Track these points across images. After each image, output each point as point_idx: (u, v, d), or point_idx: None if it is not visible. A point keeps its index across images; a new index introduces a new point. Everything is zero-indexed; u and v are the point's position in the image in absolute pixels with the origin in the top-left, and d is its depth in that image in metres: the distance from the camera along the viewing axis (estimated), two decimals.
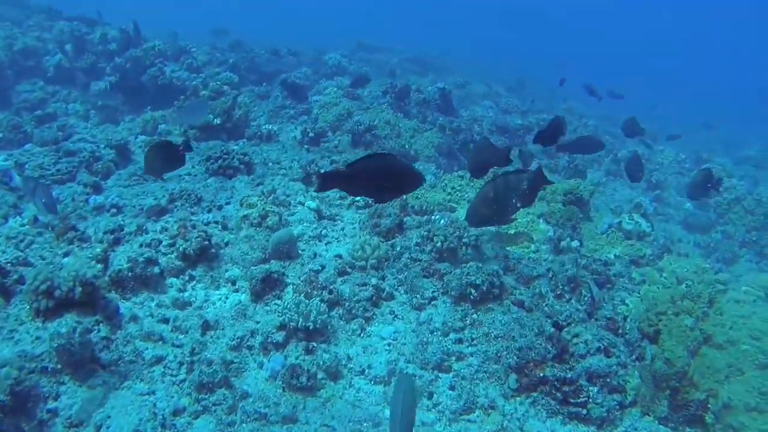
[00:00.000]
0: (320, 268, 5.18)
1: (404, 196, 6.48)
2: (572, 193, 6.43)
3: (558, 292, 4.56)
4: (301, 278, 5.08)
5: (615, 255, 5.54)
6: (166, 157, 5.70)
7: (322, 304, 4.62)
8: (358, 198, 6.76)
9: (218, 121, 8.78)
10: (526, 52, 29.65)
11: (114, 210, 6.47)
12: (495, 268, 4.76)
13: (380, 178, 4.16)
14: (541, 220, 6.22)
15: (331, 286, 4.97)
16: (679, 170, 10.55)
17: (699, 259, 5.53)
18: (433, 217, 6.03)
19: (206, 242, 5.44)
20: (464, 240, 5.05)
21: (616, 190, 10.28)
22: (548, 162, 11.02)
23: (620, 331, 4.40)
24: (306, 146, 8.83)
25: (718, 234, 8.17)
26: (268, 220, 5.66)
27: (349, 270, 5.24)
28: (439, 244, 4.99)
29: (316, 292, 4.90)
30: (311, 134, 8.84)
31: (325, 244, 5.83)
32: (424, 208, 6.23)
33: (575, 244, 5.60)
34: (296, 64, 13.81)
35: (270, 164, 7.91)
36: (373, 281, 4.97)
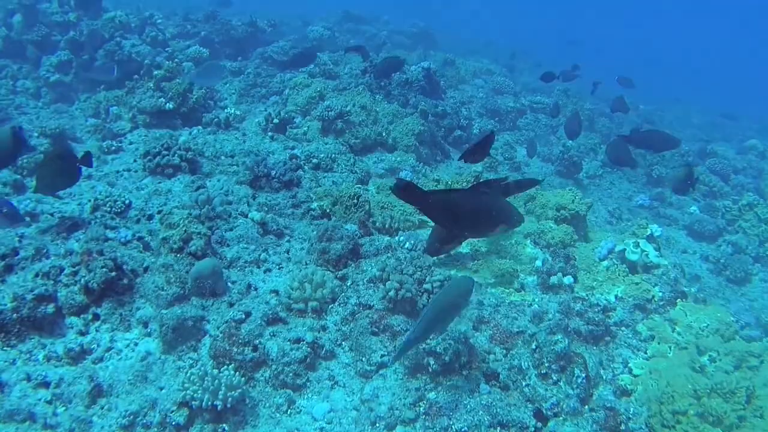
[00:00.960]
0: (244, 316, 3.89)
1: (367, 207, 5.19)
2: (566, 208, 5.10)
3: (543, 371, 3.31)
4: (220, 329, 3.81)
5: (617, 296, 4.27)
6: (58, 172, 4.43)
7: (235, 376, 3.37)
8: (314, 206, 5.47)
9: (171, 106, 7.39)
10: (526, 29, 27.44)
11: (28, 218, 5.19)
12: (463, 331, 3.48)
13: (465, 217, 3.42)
14: (529, 242, 4.92)
15: (257, 341, 3.71)
16: (682, 164, 9.15)
17: (720, 308, 4.27)
18: (397, 238, 4.74)
19: (114, 273, 4.18)
20: (426, 285, 3.75)
21: (614, 184, 8.93)
22: (541, 150, 9.65)
23: (623, 427, 3.16)
24: (270, 134, 7.46)
25: (729, 247, 6.86)
26: (191, 244, 4.36)
27: (283, 315, 3.97)
28: (392, 293, 3.69)
29: (236, 349, 3.65)
30: (276, 120, 7.46)
31: (264, 272, 4.55)
32: (387, 225, 4.93)
33: (568, 280, 4.31)
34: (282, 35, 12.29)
35: (222, 158, 6.57)
36: (309, 337, 3.70)
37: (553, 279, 4.29)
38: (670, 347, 3.75)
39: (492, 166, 8.52)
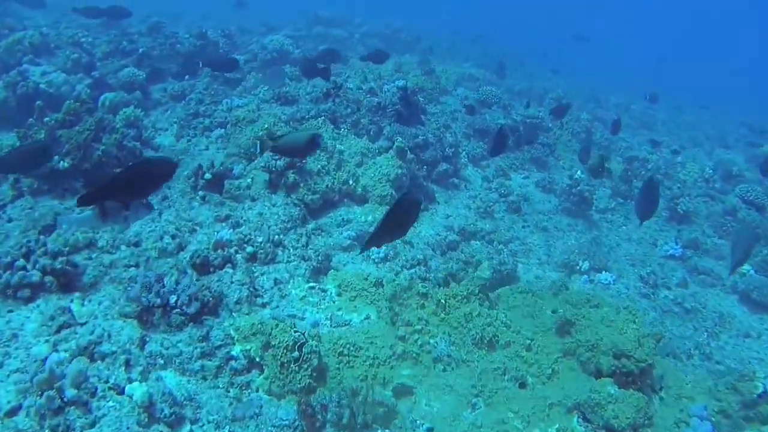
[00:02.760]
0: None
1: (315, 363, 2.94)
2: (630, 357, 2.90)
3: None
4: None
5: None
6: None
7: None
8: (236, 351, 3.22)
9: (66, 164, 5.03)
10: (513, 29, 24.25)
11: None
12: None
13: None
14: (576, 420, 2.73)
15: None
16: (706, 191, 6.95)
17: None
18: None
19: None
20: None
21: (630, 219, 6.73)
22: (541, 176, 7.43)
23: None
24: (201, 193, 5.15)
25: None
26: None
27: None
28: None
29: None
30: (207, 176, 5.14)
31: None
32: (347, 420, 2.68)
33: None
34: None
35: (122, 248, 4.26)
36: None
37: None
38: None
39: (487, 211, 6.28)
